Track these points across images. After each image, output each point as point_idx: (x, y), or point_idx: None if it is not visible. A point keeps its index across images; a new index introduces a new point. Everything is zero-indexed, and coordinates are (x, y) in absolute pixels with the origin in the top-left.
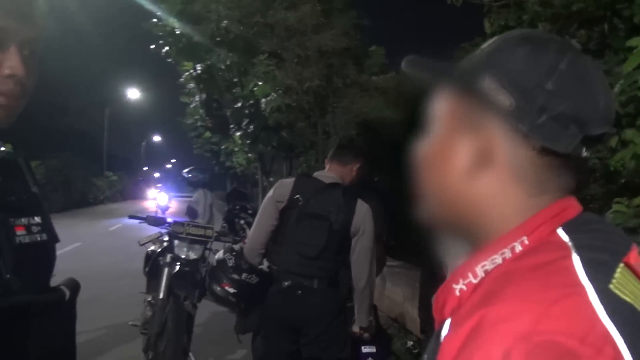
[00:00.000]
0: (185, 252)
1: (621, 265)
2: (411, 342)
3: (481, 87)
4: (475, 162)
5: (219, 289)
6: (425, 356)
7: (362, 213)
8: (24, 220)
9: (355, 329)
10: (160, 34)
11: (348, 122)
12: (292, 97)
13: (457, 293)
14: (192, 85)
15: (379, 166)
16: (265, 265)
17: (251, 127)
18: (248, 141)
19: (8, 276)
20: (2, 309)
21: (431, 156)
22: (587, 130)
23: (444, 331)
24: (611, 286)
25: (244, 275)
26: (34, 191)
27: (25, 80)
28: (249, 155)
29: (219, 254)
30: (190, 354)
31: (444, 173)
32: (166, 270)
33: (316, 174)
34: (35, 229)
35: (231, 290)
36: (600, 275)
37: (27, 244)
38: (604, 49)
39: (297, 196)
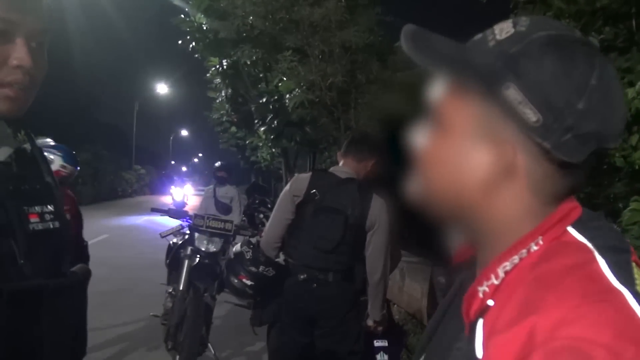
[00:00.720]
0: (205, 245)
1: (634, 264)
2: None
3: (505, 95)
4: (496, 175)
5: (236, 281)
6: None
7: (378, 208)
8: (37, 209)
9: (369, 322)
10: (188, 29)
11: (370, 118)
12: (315, 92)
13: (481, 295)
14: (218, 80)
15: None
16: (282, 259)
17: (275, 122)
18: (272, 136)
19: (22, 262)
20: (16, 292)
21: (442, 155)
22: (605, 145)
23: (478, 336)
24: (638, 288)
25: (261, 268)
26: (48, 181)
27: (33, 71)
28: (273, 150)
29: (237, 247)
30: (210, 345)
31: (461, 179)
32: (186, 262)
33: (332, 169)
34: (48, 216)
35: (248, 282)
36: (628, 278)
37: (40, 231)
38: (631, 46)
39: (314, 190)
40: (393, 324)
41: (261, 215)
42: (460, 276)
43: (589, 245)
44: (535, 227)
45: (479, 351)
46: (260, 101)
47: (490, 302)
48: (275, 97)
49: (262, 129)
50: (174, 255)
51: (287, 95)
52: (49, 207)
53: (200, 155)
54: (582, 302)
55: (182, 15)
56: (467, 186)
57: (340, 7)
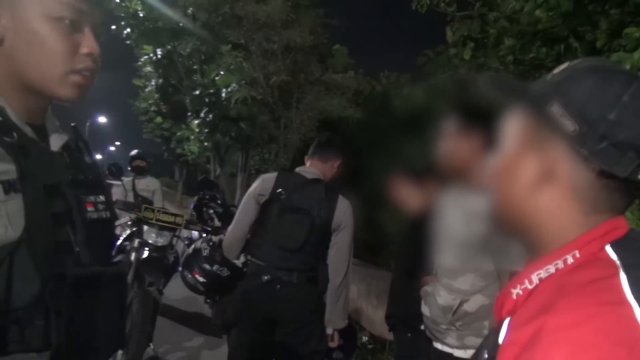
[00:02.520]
0: (154, 238)
1: None
2: (365, 338)
3: (549, 112)
4: (539, 179)
5: (189, 276)
6: (485, 351)
7: (344, 209)
8: (92, 198)
9: (329, 330)
10: (123, 14)
11: (311, 119)
12: (257, 90)
13: (514, 297)
14: (149, 69)
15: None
16: (240, 261)
17: (210, 116)
18: (206, 130)
19: (77, 249)
20: (78, 277)
21: (500, 169)
22: None
23: (503, 330)
24: None
25: (215, 267)
26: (98, 171)
27: (99, 59)
28: (205, 144)
29: (197, 243)
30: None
31: (511, 186)
32: (133, 254)
33: (298, 170)
34: (100, 206)
35: (200, 279)
36: None
37: (95, 220)
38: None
39: (280, 190)
40: (348, 323)
41: (211, 211)
42: None
43: (618, 262)
44: (572, 240)
45: (501, 342)
46: (195, 93)
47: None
48: (212, 91)
49: (196, 122)
50: (119, 248)
51: (225, 90)
52: (101, 197)
53: (117, 143)
54: (590, 309)
55: (118, 0)
56: (517, 192)
57: (286, 6)
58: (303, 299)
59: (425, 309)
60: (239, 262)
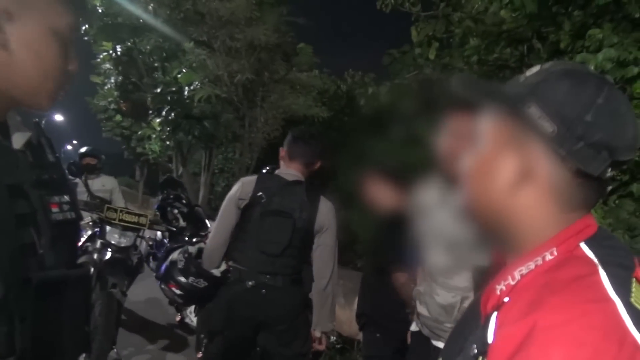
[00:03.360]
0: (117, 238)
1: (634, 280)
2: (333, 338)
3: (527, 113)
4: (518, 178)
5: (166, 289)
6: (473, 345)
7: (326, 210)
8: (56, 198)
9: (317, 333)
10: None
11: (275, 117)
12: (221, 88)
13: (498, 292)
14: (108, 66)
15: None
16: (218, 270)
17: (172, 114)
18: (168, 129)
19: (41, 252)
20: (43, 281)
21: (477, 168)
22: (616, 156)
23: (491, 326)
24: (632, 300)
25: (190, 279)
26: (62, 170)
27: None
28: (167, 142)
29: (174, 255)
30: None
31: (489, 185)
32: (95, 255)
33: (278, 172)
34: (65, 207)
35: (177, 291)
36: (623, 290)
37: (61, 221)
38: (521, 66)
39: (260, 193)
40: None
41: (175, 211)
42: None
43: (595, 260)
44: (551, 238)
45: (489, 338)
46: (156, 91)
47: (506, 299)
48: (174, 89)
49: (158, 120)
50: (80, 249)
51: (187, 88)
52: (65, 197)
53: (75, 142)
54: (579, 307)
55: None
56: (496, 191)
57: (250, 3)
58: (289, 302)
59: (422, 309)
60: (217, 272)
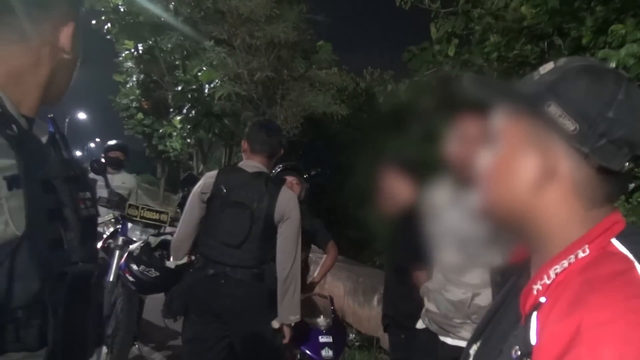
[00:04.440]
0: (138, 235)
1: None
2: (352, 335)
3: (547, 112)
4: (541, 177)
5: (122, 275)
6: (516, 347)
7: (286, 200)
8: (81, 195)
9: (275, 325)
10: (103, 9)
11: (295, 115)
12: (241, 86)
13: (535, 292)
14: (130, 64)
15: (319, 161)
16: (175, 262)
17: (193, 112)
18: (189, 126)
19: (67, 247)
20: (73, 276)
21: (496, 168)
22: (637, 151)
23: (532, 327)
24: None
25: (141, 267)
26: (83, 167)
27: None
28: (188, 140)
29: (137, 244)
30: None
31: (510, 185)
32: (117, 253)
33: (241, 164)
34: (89, 203)
35: (130, 278)
36: None
37: (86, 218)
38: (542, 63)
39: (221, 186)
40: (337, 320)
41: None
42: (514, 275)
43: (630, 256)
44: (582, 236)
45: (533, 339)
46: (177, 89)
47: (543, 299)
48: (194, 87)
49: (179, 118)
50: (102, 246)
51: (208, 85)
52: (88, 193)
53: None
54: (623, 304)
55: None
56: (519, 191)
57: (269, 1)
58: (248, 296)
59: (430, 306)
60: (171, 264)
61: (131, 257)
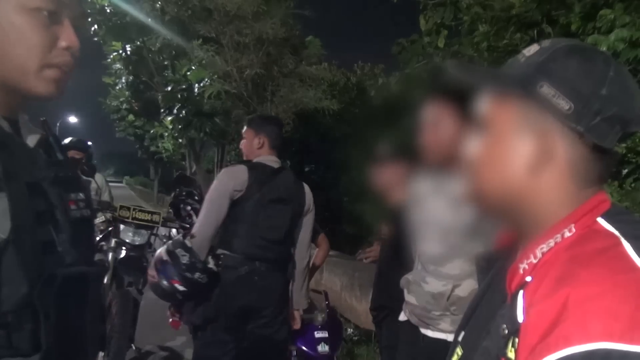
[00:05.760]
0: (130, 237)
1: None
2: (350, 330)
3: (540, 92)
4: (539, 160)
5: (166, 284)
6: (503, 325)
7: (309, 193)
8: (73, 196)
9: (298, 313)
10: (89, 11)
11: (286, 111)
12: (231, 84)
13: (521, 271)
14: (118, 66)
15: (313, 157)
16: (213, 264)
17: (183, 112)
18: (180, 126)
19: (61, 249)
20: (66, 277)
21: (488, 155)
22: (628, 129)
23: (519, 305)
24: None
25: (196, 275)
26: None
27: (77, 53)
28: (180, 140)
29: (168, 247)
30: (132, 344)
31: (507, 170)
32: (110, 254)
33: (261, 160)
34: (81, 204)
35: (180, 288)
36: None
37: (78, 219)
38: None
39: (254, 183)
40: (333, 315)
41: (188, 207)
42: (499, 260)
43: (616, 233)
44: (568, 215)
45: (519, 317)
46: (167, 89)
47: (529, 278)
48: (184, 86)
49: (169, 118)
50: (95, 248)
51: (197, 85)
52: (81, 194)
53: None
54: (609, 279)
55: None
56: (515, 175)
57: None
58: (278, 288)
59: (410, 297)
60: (213, 266)
61: (181, 265)
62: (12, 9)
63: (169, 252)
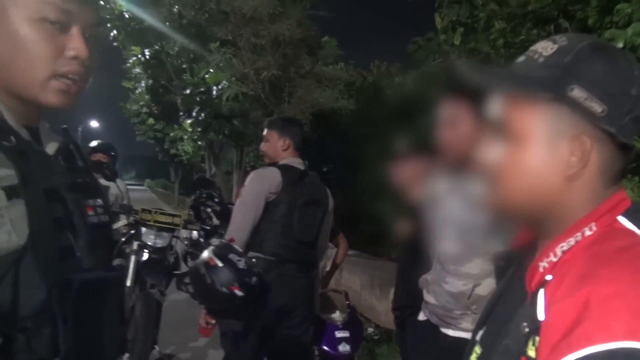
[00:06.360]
0: (152, 239)
1: None
2: (371, 329)
3: (572, 96)
4: (576, 166)
5: (226, 290)
6: (524, 323)
7: (329, 193)
8: (90, 202)
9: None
10: (108, 16)
11: (303, 112)
12: (248, 86)
13: (541, 269)
14: (138, 70)
15: (331, 157)
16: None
17: (202, 114)
18: (199, 129)
19: (79, 254)
20: (84, 282)
21: (519, 163)
22: None
23: (540, 303)
24: None
25: (254, 280)
26: (93, 174)
27: (88, 62)
28: (199, 143)
29: (215, 251)
30: (155, 346)
31: (541, 179)
32: (133, 257)
33: (288, 162)
34: (99, 210)
35: (239, 293)
36: None
37: (96, 224)
38: None
39: (286, 185)
40: (353, 314)
41: (208, 209)
42: (517, 258)
43: (637, 231)
44: (589, 213)
45: (540, 315)
46: (185, 92)
47: (549, 277)
48: (202, 89)
49: (189, 121)
50: (118, 252)
51: (215, 88)
52: (99, 200)
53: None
54: (631, 277)
55: (101, 2)
56: (549, 184)
57: None
58: (308, 289)
59: (429, 297)
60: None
61: (239, 270)
62: (17, 20)
63: (220, 256)
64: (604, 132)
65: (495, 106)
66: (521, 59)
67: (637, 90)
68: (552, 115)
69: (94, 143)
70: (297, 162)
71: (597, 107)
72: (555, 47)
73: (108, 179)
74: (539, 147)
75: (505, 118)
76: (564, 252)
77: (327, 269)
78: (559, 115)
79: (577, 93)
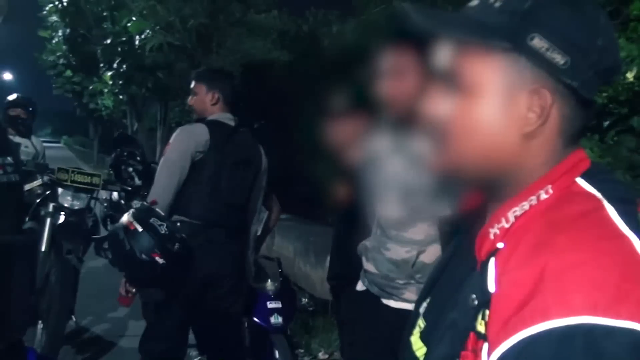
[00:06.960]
0: (69, 201)
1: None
2: (305, 299)
3: (531, 46)
4: (535, 122)
5: (146, 258)
6: (472, 295)
7: (262, 152)
8: (0, 160)
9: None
10: None
11: (233, 64)
12: (174, 35)
13: (492, 237)
14: (55, 18)
15: (262, 112)
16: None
17: (124, 66)
18: (120, 82)
19: None
20: None
21: (472, 119)
22: (609, 79)
23: (490, 273)
24: None
25: (176, 246)
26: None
27: None
28: (121, 97)
29: (134, 214)
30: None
31: (497, 136)
32: (48, 220)
33: (217, 117)
34: (9, 168)
35: (161, 261)
36: (636, 225)
37: (4, 184)
38: None
39: (215, 143)
40: (286, 284)
41: (130, 169)
42: (466, 224)
43: (598, 195)
44: (544, 175)
45: (491, 287)
46: (106, 42)
47: (501, 245)
48: (124, 39)
49: (109, 73)
50: (32, 214)
51: (138, 37)
52: (9, 158)
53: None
54: (592, 245)
55: None
56: (506, 142)
57: None
58: (238, 257)
59: (368, 266)
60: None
61: (161, 236)
62: None
63: (141, 220)
64: (565, 86)
65: (445, 55)
66: (474, 2)
67: (603, 41)
68: (509, 66)
69: (13, 96)
70: (227, 118)
71: (559, 59)
72: None
73: (22, 135)
74: (493, 102)
75: (455, 69)
76: (517, 218)
77: (259, 233)
78: (516, 67)
79: (538, 42)
